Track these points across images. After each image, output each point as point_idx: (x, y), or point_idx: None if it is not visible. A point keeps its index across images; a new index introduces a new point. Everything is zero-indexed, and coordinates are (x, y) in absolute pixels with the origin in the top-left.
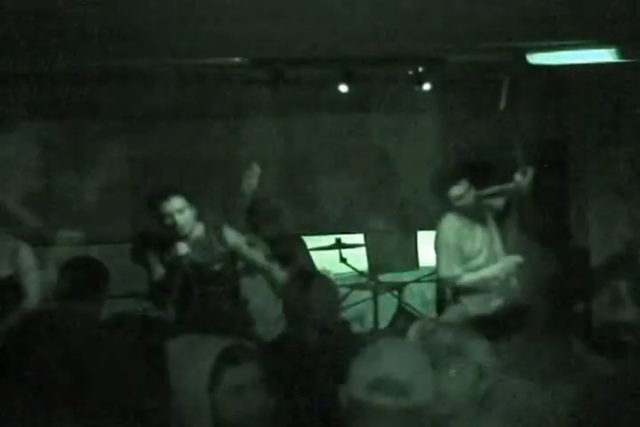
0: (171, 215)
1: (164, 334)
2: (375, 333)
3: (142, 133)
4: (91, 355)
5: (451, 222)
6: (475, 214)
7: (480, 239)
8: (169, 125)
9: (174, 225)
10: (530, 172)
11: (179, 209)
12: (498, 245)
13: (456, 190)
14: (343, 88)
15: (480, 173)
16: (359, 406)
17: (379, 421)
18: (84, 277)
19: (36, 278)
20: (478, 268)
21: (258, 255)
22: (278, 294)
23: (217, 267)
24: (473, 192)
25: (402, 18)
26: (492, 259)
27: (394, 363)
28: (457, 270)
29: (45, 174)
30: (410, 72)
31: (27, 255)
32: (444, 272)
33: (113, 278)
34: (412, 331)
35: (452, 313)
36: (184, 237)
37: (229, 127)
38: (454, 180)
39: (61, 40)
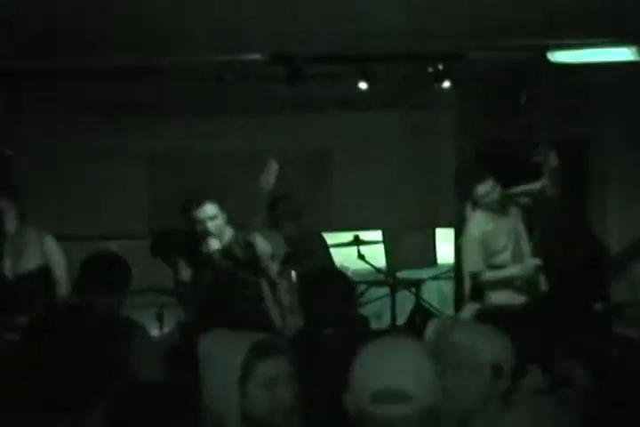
0: (203, 222)
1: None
2: (393, 329)
3: (160, 130)
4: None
5: (477, 219)
6: (502, 211)
7: (506, 236)
8: (185, 122)
9: (205, 232)
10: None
11: (211, 216)
12: (525, 243)
13: (482, 188)
14: (362, 85)
15: (506, 171)
16: (364, 416)
17: None
18: (107, 274)
19: (64, 268)
20: (503, 265)
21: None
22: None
23: (242, 273)
24: (499, 190)
25: (422, 15)
26: (518, 256)
27: (395, 371)
28: (480, 266)
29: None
30: (430, 69)
31: (53, 246)
32: (468, 268)
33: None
34: (429, 329)
35: (469, 310)
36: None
37: (247, 123)
38: (480, 178)
39: (81, 37)
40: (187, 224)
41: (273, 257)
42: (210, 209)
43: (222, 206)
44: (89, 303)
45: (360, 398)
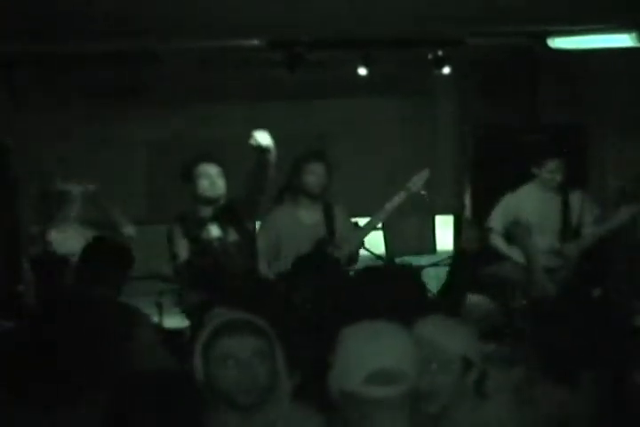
0: (209, 177)
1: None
2: None
3: (159, 116)
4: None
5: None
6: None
7: (538, 215)
8: (185, 108)
9: (213, 188)
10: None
11: (217, 173)
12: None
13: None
14: (362, 71)
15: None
16: (354, 399)
17: (378, 410)
18: (108, 261)
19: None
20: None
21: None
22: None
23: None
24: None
25: (422, 1)
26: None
27: (390, 352)
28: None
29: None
30: (430, 55)
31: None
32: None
33: None
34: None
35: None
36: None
37: (247, 109)
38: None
39: (80, 22)
40: (191, 188)
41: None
42: (215, 167)
43: (223, 167)
44: (89, 291)
45: (351, 381)
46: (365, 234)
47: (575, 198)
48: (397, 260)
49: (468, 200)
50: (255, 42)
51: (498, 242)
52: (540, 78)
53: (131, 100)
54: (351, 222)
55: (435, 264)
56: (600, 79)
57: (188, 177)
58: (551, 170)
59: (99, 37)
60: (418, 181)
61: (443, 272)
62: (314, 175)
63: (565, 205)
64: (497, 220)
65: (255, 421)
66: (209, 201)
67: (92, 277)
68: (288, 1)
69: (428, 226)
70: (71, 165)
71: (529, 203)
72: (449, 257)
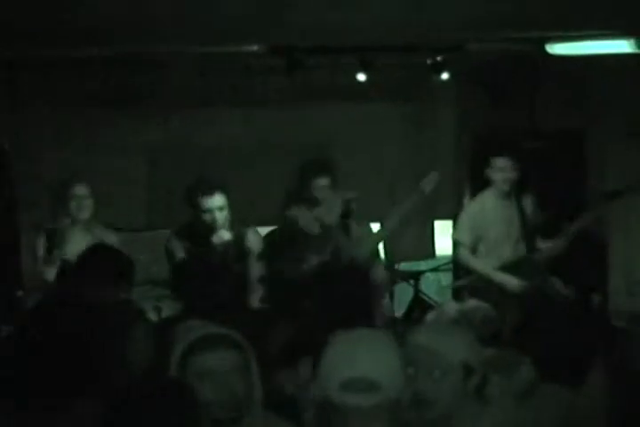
0: (211, 212)
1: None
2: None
3: (159, 122)
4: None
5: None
6: (510, 197)
7: (502, 223)
8: (185, 114)
9: (213, 222)
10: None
11: (220, 207)
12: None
13: (500, 162)
14: (361, 77)
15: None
16: (331, 405)
17: (352, 418)
18: (104, 267)
19: None
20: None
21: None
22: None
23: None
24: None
25: (421, 6)
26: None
27: (365, 361)
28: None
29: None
30: (428, 61)
31: None
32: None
33: None
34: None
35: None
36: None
37: (247, 115)
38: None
39: (79, 27)
40: (193, 212)
41: (259, 257)
42: (219, 200)
43: (228, 198)
44: (80, 295)
45: (328, 386)
46: (380, 238)
47: (528, 203)
48: (398, 265)
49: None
50: (254, 48)
51: (464, 256)
52: (539, 84)
53: (131, 105)
54: (369, 229)
55: (434, 269)
56: (599, 85)
57: (192, 206)
58: (500, 168)
59: (100, 42)
60: (429, 184)
61: (442, 277)
62: (323, 191)
63: (521, 211)
64: (462, 231)
65: None
66: (213, 227)
67: (89, 284)
68: (287, 7)
69: (427, 231)
70: (71, 168)
71: (490, 211)
72: (448, 262)
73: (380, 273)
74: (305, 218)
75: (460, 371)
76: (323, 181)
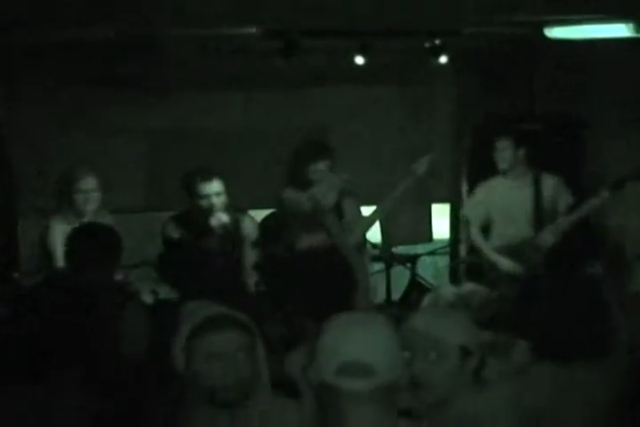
0: (209, 198)
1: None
2: (387, 304)
3: (158, 105)
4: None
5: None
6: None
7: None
8: (183, 97)
9: (211, 208)
10: None
11: (218, 192)
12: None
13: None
14: (359, 60)
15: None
16: (327, 389)
17: (347, 402)
18: (96, 245)
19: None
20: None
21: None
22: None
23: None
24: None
25: None
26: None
27: (359, 345)
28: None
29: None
30: (427, 44)
31: None
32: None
33: (125, 247)
34: (425, 304)
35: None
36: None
37: (245, 99)
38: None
39: (74, 9)
40: (191, 197)
41: (254, 244)
42: (217, 186)
43: (226, 184)
44: (78, 276)
45: (325, 371)
46: (373, 222)
47: (548, 186)
48: (394, 249)
49: (464, 189)
50: (252, 30)
51: (472, 234)
52: (538, 68)
53: (131, 88)
54: (361, 213)
55: (431, 253)
56: (598, 69)
57: (190, 192)
58: (502, 148)
59: (97, 25)
60: (421, 166)
61: (439, 260)
62: (321, 174)
63: (537, 193)
64: (471, 210)
65: (240, 416)
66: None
67: (81, 263)
68: None
69: (424, 214)
70: (70, 152)
71: (497, 192)
72: (445, 246)
73: (366, 257)
74: (299, 200)
75: (456, 354)
76: (321, 165)
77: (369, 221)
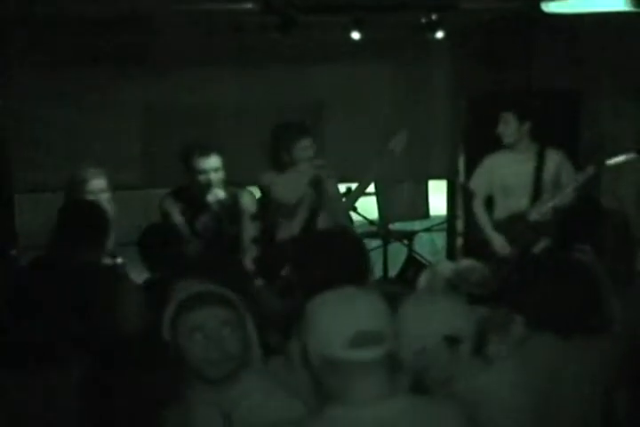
0: (207, 173)
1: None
2: (385, 281)
3: (154, 81)
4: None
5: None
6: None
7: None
8: (180, 73)
9: (209, 183)
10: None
11: (215, 168)
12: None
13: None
14: (355, 35)
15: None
16: (337, 364)
17: (360, 373)
18: (83, 223)
19: None
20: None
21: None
22: None
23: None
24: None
25: None
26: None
27: (368, 314)
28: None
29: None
30: (423, 19)
31: None
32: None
33: (122, 225)
34: (422, 280)
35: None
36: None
37: (240, 75)
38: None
39: None
40: (188, 173)
41: (253, 217)
42: (215, 161)
43: (223, 159)
44: (65, 254)
45: (333, 346)
46: (354, 201)
47: (552, 160)
48: (391, 225)
49: (461, 165)
50: (248, 5)
51: (474, 206)
52: (535, 43)
53: (128, 64)
54: (340, 193)
55: (428, 229)
56: (595, 43)
57: (188, 167)
58: (504, 121)
59: (92, 1)
60: (398, 143)
61: (436, 237)
62: (304, 151)
63: (539, 168)
64: (475, 182)
65: (229, 393)
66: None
67: (71, 242)
68: None
69: (421, 191)
70: (66, 129)
71: (501, 164)
72: (442, 222)
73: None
74: (277, 186)
75: (442, 345)
76: (305, 142)
77: (349, 202)
